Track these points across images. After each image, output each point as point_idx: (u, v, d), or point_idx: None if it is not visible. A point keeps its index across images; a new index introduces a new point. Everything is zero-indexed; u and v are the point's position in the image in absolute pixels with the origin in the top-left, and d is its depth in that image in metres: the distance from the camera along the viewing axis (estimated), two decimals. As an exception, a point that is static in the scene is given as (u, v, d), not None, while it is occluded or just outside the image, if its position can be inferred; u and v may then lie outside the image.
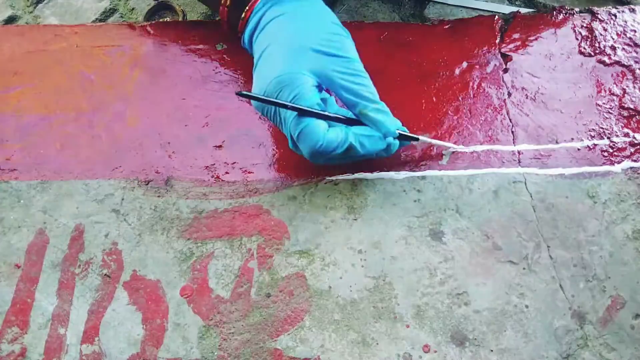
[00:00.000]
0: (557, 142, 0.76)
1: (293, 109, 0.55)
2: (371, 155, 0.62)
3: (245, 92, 0.58)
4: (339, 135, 0.56)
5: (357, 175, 0.75)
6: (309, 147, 0.56)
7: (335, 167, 0.75)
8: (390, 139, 0.62)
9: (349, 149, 0.58)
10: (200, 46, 0.85)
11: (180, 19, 1.27)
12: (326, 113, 0.58)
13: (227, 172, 0.76)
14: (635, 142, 0.76)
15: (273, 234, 0.71)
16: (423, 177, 0.74)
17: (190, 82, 0.77)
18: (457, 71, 0.81)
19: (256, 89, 0.60)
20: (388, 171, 0.75)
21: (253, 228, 0.72)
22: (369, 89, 0.59)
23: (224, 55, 0.83)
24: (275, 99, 0.56)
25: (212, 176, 0.75)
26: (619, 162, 0.75)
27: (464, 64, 0.82)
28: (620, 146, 0.76)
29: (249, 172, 0.75)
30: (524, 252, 0.70)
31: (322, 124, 0.56)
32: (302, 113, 0.55)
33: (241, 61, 0.83)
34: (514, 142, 0.76)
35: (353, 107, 0.59)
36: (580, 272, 0.69)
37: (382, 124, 0.60)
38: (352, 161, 0.70)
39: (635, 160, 0.75)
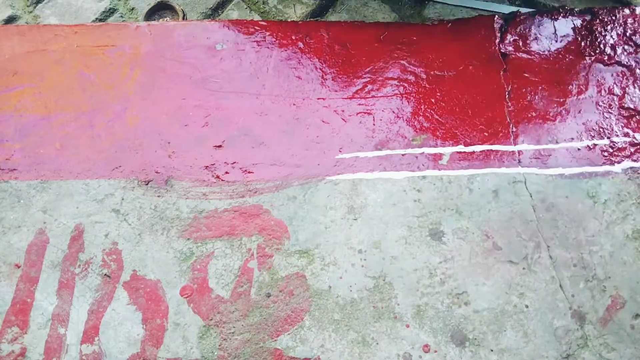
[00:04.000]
0: (557, 142, 0.76)
1: None
2: None
3: None
4: None
5: (357, 176, 0.75)
6: None
7: (336, 168, 0.75)
8: None
9: None
10: (200, 46, 0.85)
11: (180, 18, 1.27)
12: None
13: (227, 172, 0.75)
14: (636, 142, 0.76)
15: (273, 234, 0.71)
16: (423, 177, 0.74)
17: (190, 82, 0.77)
18: (457, 71, 0.81)
19: None
20: (388, 171, 0.75)
21: (253, 228, 0.72)
22: None
23: (224, 55, 0.83)
24: None
25: (212, 176, 0.75)
26: (619, 162, 0.75)
27: (464, 64, 0.81)
28: (620, 146, 0.76)
29: (249, 172, 0.75)
30: (524, 252, 0.70)
31: None
32: None
33: (241, 61, 0.83)
34: (514, 142, 0.76)
35: None
36: (580, 272, 0.69)
37: None
38: None
39: (635, 160, 0.75)
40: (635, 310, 0.67)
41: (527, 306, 0.68)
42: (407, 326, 0.66)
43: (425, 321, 0.66)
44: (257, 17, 1.30)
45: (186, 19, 1.32)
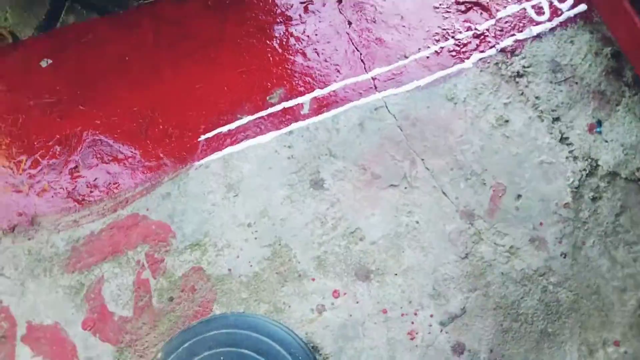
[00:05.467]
0: (406, 57, 0.76)
1: None
2: None
3: None
4: None
5: (225, 152, 0.72)
6: None
7: (202, 151, 0.72)
8: None
9: None
10: (29, 66, 0.78)
11: (10, 41, 1.16)
12: None
13: (91, 192, 0.71)
14: (478, 32, 0.77)
15: (157, 238, 0.69)
16: (290, 132, 0.73)
17: (28, 108, 0.71)
18: (294, 14, 0.79)
19: None
20: (255, 137, 0.73)
21: (135, 239, 0.69)
22: None
23: (51, 70, 0.76)
24: None
25: (78, 200, 0.71)
26: (468, 58, 0.76)
27: (299, 6, 0.79)
28: (465, 41, 0.77)
29: (114, 184, 0.71)
30: (401, 173, 0.71)
31: None
32: None
33: (69, 75, 0.77)
34: (366, 70, 0.76)
35: None
36: (458, 174, 0.71)
37: None
38: None
39: (482, 51, 0.76)
40: (516, 191, 0.71)
41: (417, 222, 0.69)
42: (313, 280, 0.66)
43: (328, 269, 0.67)
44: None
45: (19, 38, 1.20)
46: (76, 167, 0.73)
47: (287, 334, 0.61)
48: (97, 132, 0.74)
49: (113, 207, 0.71)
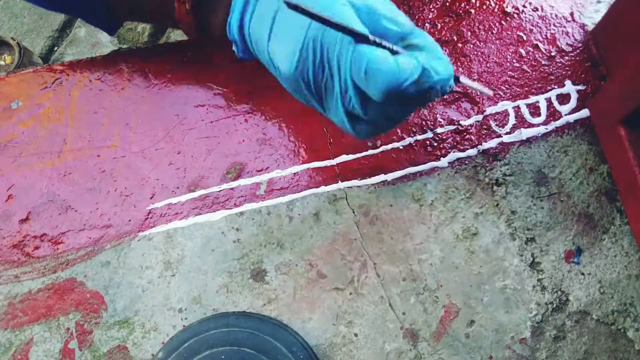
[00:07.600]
0: (376, 147, 0.70)
1: (352, 33, 0.40)
2: (436, 90, 0.46)
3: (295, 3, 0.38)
4: (410, 60, 0.42)
5: (171, 225, 0.70)
6: (384, 80, 0.42)
7: (148, 220, 0.70)
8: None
9: (421, 77, 0.43)
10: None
11: (17, 54, 1.18)
12: (388, 44, 0.43)
13: (36, 247, 0.70)
14: (461, 128, 0.70)
15: (90, 308, 0.67)
16: (241, 213, 0.69)
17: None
18: (270, 85, 0.74)
19: (286, 50, 0.45)
20: (204, 214, 0.70)
21: (69, 304, 0.68)
22: (409, 20, 0.46)
23: (21, 114, 0.76)
24: (320, 45, 0.42)
25: (23, 254, 0.70)
26: (444, 155, 0.70)
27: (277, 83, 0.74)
28: (445, 137, 0.70)
29: (59, 243, 0.70)
30: (349, 275, 0.67)
31: (387, 52, 0.42)
32: (361, 41, 0.42)
33: (38, 117, 0.76)
34: (332, 156, 0.71)
35: (401, 39, 0.46)
36: (410, 286, 0.66)
37: (440, 52, 0.46)
38: (414, 109, 0.55)
39: (461, 150, 0.70)
40: (469, 316, 0.64)
41: (356, 335, 0.65)
42: (235, 381, 0.63)
43: (253, 372, 0.63)
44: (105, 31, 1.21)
45: (22, 53, 1.22)
46: (27, 218, 0.72)
47: (288, 332, 0.61)
48: (53, 183, 0.73)
49: (54, 267, 0.70)
